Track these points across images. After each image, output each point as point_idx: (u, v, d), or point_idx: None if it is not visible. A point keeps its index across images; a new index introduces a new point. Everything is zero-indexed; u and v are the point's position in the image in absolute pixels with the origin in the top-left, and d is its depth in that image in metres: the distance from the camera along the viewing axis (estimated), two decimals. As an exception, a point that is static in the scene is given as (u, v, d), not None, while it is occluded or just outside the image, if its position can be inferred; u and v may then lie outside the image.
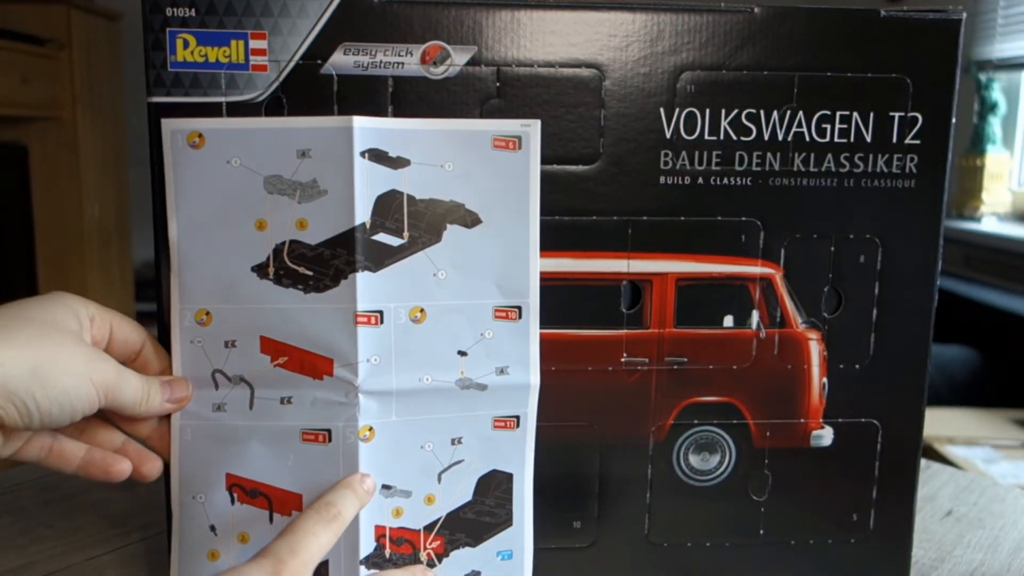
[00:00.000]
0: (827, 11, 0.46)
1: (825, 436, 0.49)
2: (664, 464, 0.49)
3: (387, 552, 0.45)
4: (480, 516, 0.47)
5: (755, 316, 0.48)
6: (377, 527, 0.45)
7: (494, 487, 0.47)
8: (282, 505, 0.44)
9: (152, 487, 0.47)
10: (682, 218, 0.47)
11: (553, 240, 0.45)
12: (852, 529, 0.50)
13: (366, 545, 0.44)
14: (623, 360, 0.48)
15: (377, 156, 0.43)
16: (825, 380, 0.49)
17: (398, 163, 0.43)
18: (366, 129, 0.42)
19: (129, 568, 0.52)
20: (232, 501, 0.44)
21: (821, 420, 0.49)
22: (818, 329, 0.48)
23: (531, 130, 0.44)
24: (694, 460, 0.49)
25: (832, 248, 0.48)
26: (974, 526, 0.61)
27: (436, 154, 0.44)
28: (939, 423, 1.66)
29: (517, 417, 0.46)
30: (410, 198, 0.43)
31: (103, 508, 0.60)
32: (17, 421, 0.37)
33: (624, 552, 0.49)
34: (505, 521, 0.47)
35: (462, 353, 0.45)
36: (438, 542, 0.46)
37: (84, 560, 0.53)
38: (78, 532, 0.56)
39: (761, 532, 0.50)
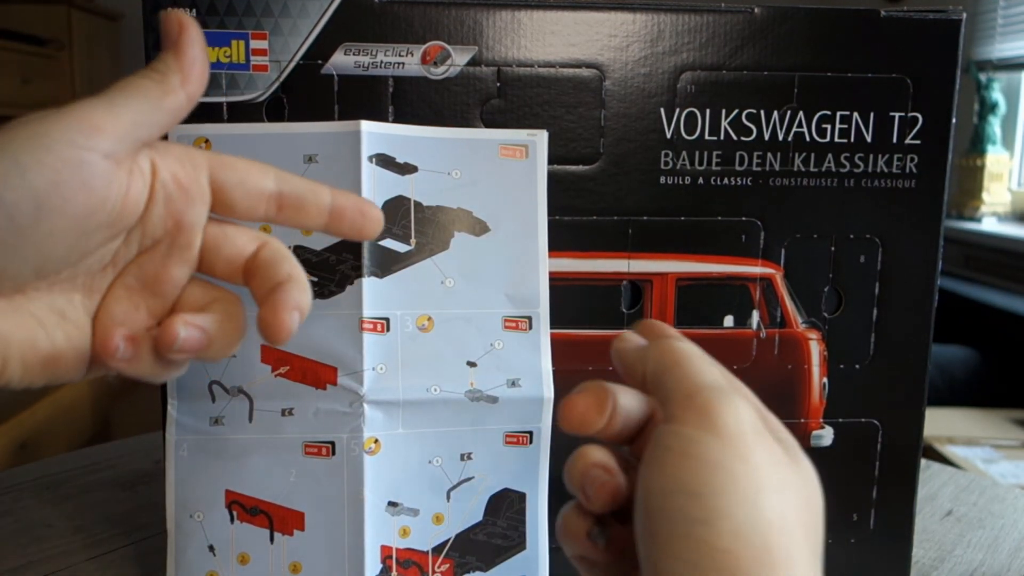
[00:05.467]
0: (827, 11, 0.46)
1: (825, 436, 0.49)
2: (664, 464, 0.49)
3: (393, 575, 0.44)
4: (491, 538, 0.45)
5: (755, 316, 0.48)
6: (383, 547, 0.44)
7: (506, 507, 0.45)
8: (283, 524, 0.43)
9: (154, 488, 0.47)
10: (682, 218, 0.47)
11: (553, 240, 0.45)
12: (852, 529, 0.50)
13: (372, 567, 0.44)
14: (623, 360, 0.48)
15: (384, 161, 0.43)
16: (825, 380, 0.49)
17: (405, 169, 0.43)
18: (374, 134, 0.42)
19: (129, 568, 0.52)
20: (232, 519, 0.43)
21: (821, 420, 0.49)
22: (818, 329, 0.48)
23: (538, 139, 0.44)
24: (694, 460, 0.49)
25: (832, 248, 0.48)
26: (974, 526, 0.61)
27: (443, 162, 0.44)
28: (939, 423, 1.67)
29: (530, 433, 0.45)
30: (417, 204, 0.43)
31: (103, 508, 0.60)
32: None
33: (624, 552, 0.49)
34: (518, 544, 0.46)
35: (471, 364, 0.44)
36: (447, 565, 0.45)
37: (84, 560, 0.53)
38: (78, 532, 0.56)
39: (761, 532, 0.50)
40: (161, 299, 0.30)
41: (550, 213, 0.45)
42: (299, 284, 0.30)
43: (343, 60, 0.43)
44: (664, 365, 0.29)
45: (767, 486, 0.26)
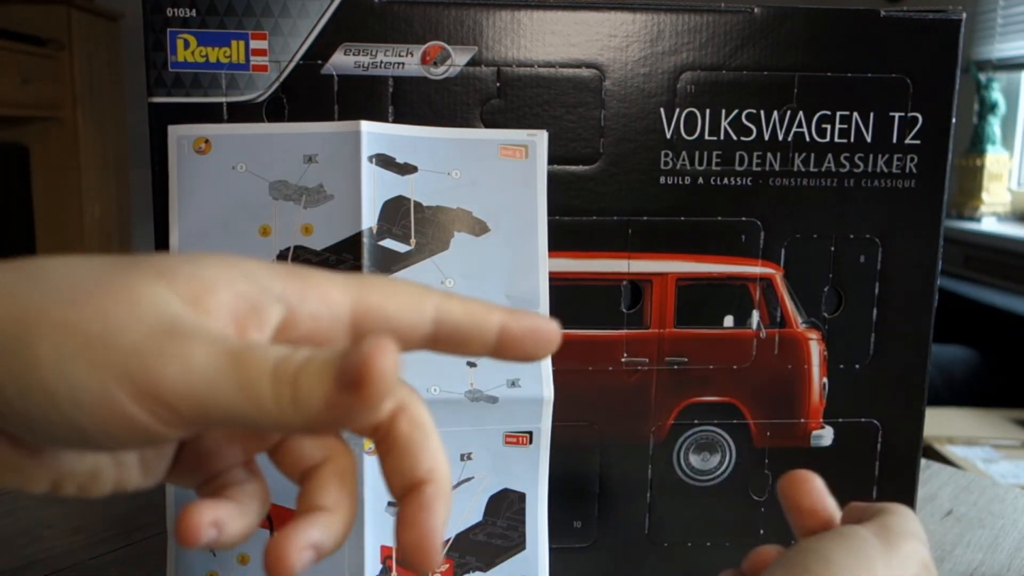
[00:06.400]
0: (827, 11, 0.46)
1: (825, 436, 0.49)
2: (664, 464, 0.49)
3: (393, 575, 0.44)
4: (491, 538, 0.45)
5: (755, 316, 0.48)
6: (383, 548, 0.44)
7: (505, 507, 0.45)
8: (283, 524, 0.43)
9: (154, 488, 0.47)
10: (682, 218, 0.47)
11: (553, 240, 0.45)
12: (852, 529, 0.50)
13: (372, 567, 0.43)
14: (623, 360, 0.48)
15: (384, 161, 0.43)
16: (825, 380, 0.49)
17: (405, 169, 0.43)
18: (374, 134, 0.42)
19: (129, 568, 0.52)
20: None
21: (821, 420, 0.49)
22: (818, 329, 0.48)
23: (538, 139, 0.44)
24: (694, 460, 0.49)
25: (832, 248, 0.48)
26: (974, 526, 0.61)
27: (443, 162, 0.43)
28: (939, 423, 1.66)
29: (530, 433, 0.45)
30: (417, 204, 0.43)
31: (103, 508, 0.60)
32: None
33: (624, 552, 0.49)
34: (518, 545, 0.45)
35: (471, 364, 0.44)
36: (447, 566, 0.45)
37: (85, 560, 0.53)
38: (78, 532, 0.56)
39: (761, 532, 0.50)
40: (260, 441, 0.27)
41: (550, 213, 0.45)
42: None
43: (343, 60, 0.43)
44: (892, 514, 0.34)
45: None
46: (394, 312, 0.25)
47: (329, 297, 0.24)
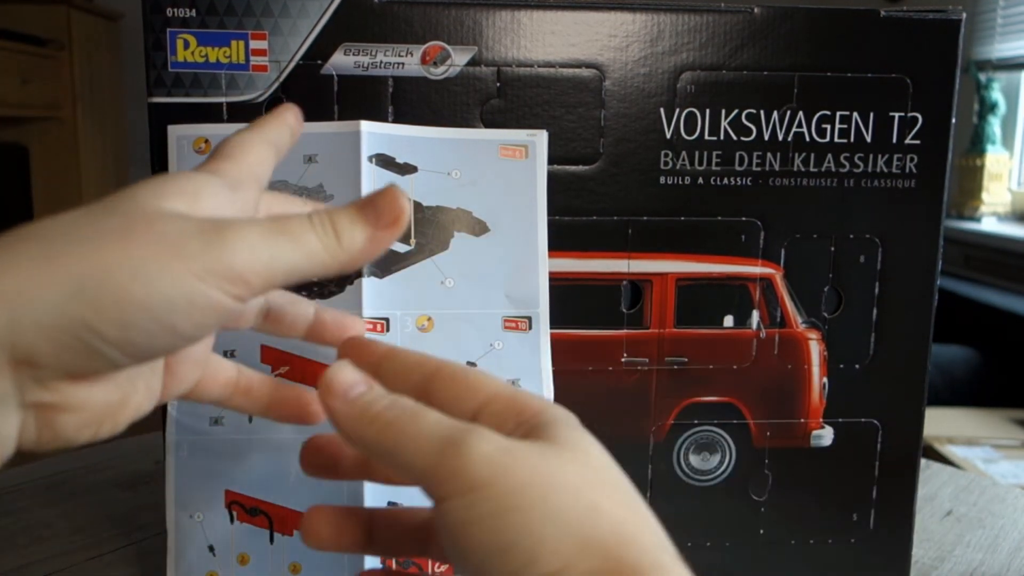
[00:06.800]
0: (827, 11, 0.46)
1: (825, 436, 0.49)
2: (664, 464, 0.49)
3: None
4: None
5: (755, 316, 0.48)
6: None
7: None
8: (283, 524, 0.43)
9: (155, 488, 0.47)
10: (682, 218, 0.47)
11: (553, 240, 0.45)
12: (852, 529, 0.50)
13: (371, 565, 0.43)
14: (623, 360, 0.48)
15: (384, 162, 0.43)
16: (825, 380, 0.49)
17: (405, 169, 0.43)
18: (374, 134, 0.42)
19: (129, 568, 0.52)
20: (231, 519, 0.43)
21: (821, 420, 0.49)
22: (818, 329, 0.48)
23: (538, 139, 0.44)
24: (694, 460, 0.49)
25: (832, 248, 0.48)
26: (974, 526, 0.61)
27: (443, 162, 0.43)
28: (939, 423, 1.66)
29: None
30: (417, 204, 0.43)
31: (103, 508, 0.60)
32: (87, 366, 0.24)
33: (624, 552, 0.49)
34: None
35: (471, 364, 0.44)
36: (447, 566, 0.45)
37: (84, 560, 0.53)
38: (78, 532, 0.56)
39: (761, 532, 0.50)
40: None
41: (550, 213, 0.45)
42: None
43: (343, 60, 0.43)
44: (384, 436, 0.26)
45: (554, 487, 0.24)
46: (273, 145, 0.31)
47: (248, 166, 0.30)
